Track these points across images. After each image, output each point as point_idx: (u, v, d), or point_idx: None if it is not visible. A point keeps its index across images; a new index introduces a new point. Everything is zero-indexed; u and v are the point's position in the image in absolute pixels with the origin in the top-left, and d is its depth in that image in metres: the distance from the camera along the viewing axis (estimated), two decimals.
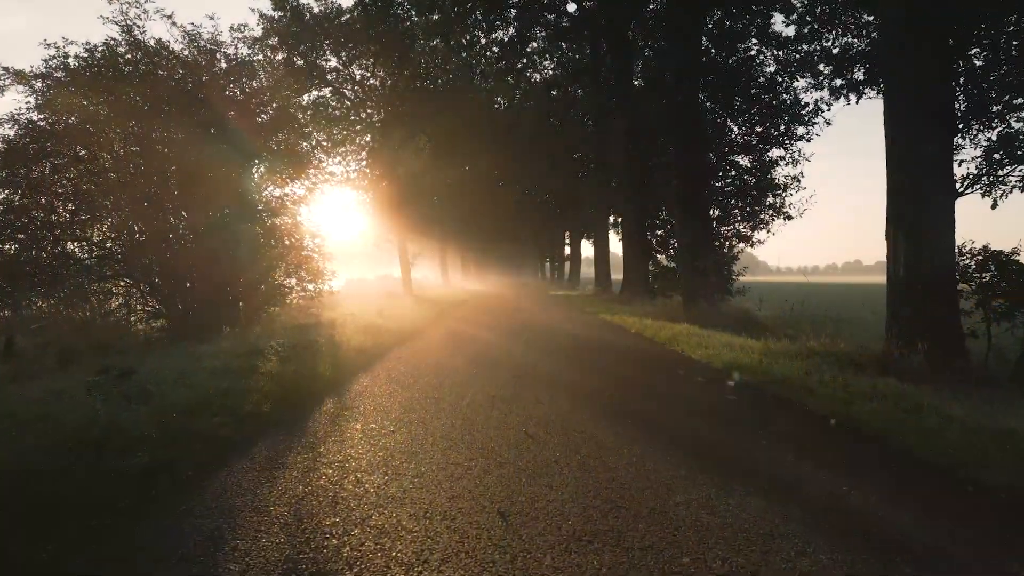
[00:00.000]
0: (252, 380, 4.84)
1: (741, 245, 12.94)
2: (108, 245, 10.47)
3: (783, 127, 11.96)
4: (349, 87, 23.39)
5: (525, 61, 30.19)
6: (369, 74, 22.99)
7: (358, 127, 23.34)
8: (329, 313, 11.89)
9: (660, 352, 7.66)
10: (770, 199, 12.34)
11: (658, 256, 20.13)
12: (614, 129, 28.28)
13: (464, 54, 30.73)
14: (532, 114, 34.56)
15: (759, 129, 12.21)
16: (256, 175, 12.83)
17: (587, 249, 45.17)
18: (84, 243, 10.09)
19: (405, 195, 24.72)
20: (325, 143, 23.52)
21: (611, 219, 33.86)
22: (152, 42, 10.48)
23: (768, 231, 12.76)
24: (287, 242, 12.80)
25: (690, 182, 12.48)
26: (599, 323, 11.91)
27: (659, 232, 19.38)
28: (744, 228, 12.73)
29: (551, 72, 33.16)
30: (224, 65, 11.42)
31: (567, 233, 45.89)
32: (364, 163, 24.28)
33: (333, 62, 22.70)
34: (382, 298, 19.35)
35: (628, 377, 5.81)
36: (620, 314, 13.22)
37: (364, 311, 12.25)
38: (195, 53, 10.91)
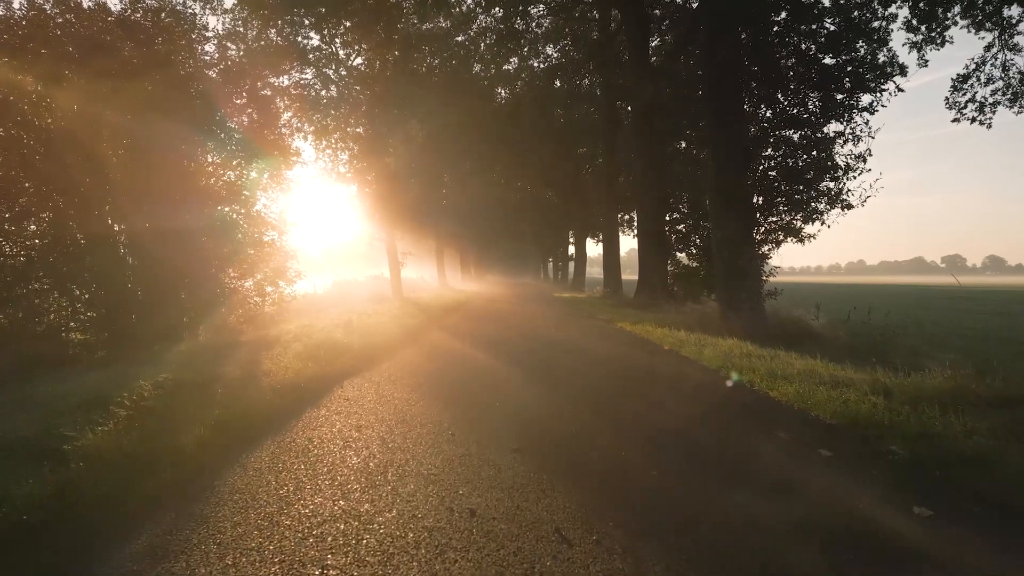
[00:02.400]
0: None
1: (789, 241, 10.71)
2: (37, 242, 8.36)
3: (844, 95, 9.72)
4: (333, 68, 21.22)
5: (526, 47, 28.07)
6: (354, 52, 20.81)
7: (343, 109, 21.14)
8: (287, 324, 9.67)
9: (721, 387, 5.42)
10: (827, 183, 10.11)
11: (677, 254, 17.89)
12: (628, 113, 26.13)
13: (461, 37, 28.66)
14: (534, 104, 32.47)
15: (814, 96, 9.95)
16: (211, 158, 10.64)
17: (591, 249, 42.99)
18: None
19: (396, 188, 22.54)
20: (306, 127, 21.43)
21: (620, 216, 31.67)
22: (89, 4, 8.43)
23: (823, 223, 10.54)
24: (240, 236, 10.58)
25: (729, 164, 10.22)
26: (621, 336, 9.67)
27: (679, 227, 17.13)
28: (794, 220, 10.48)
29: (554, 57, 31.05)
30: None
31: (570, 232, 43.71)
32: (354, 151, 22.09)
33: (315, 40, 20.53)
34: (366, 302, 17.15)
35: (705, 449, 3.56)
36: (643, 323, 10.97)
37: (333, 321, 10.03)
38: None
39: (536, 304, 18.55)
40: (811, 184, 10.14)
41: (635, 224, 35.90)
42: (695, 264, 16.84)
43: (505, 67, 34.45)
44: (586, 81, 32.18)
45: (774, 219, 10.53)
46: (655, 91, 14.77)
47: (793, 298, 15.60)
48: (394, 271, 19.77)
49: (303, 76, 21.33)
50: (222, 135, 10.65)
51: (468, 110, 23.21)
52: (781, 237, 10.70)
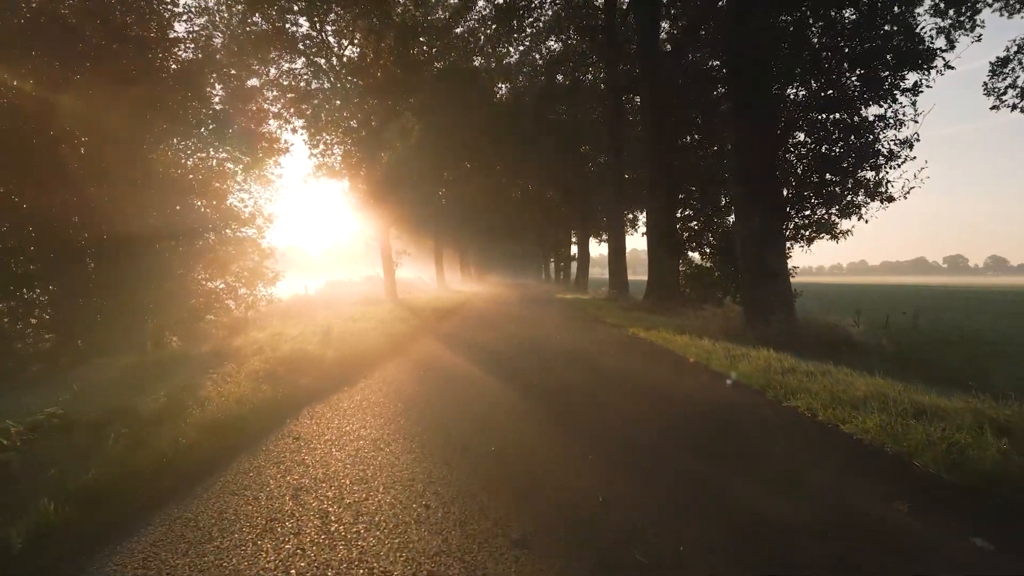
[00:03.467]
0: None
1: (823, 238, 9.57)
2: None
3: (888, 72, 8.59)
4: (324, 58, 20.10)
5: (528, 32, 27.01)
6: (346, 40, 19.68)
7: (335, 101, 20.02)
8: (261, 332, 8.56)
9: (774, 418, 4.31)
10: (866, 173, 8.97)
11: (689, 254, 16.78)
12: (635, 106, 25.00)
13: (460, 29, 27.58)
14: (534, 99, 31.42)
15: (852, 76, 8.81)
16: (178, 142, 9.54)
17: (593, 248, 41.87)
18: None
19: (391, 184, 21.44)
20: (296, 121, 20.33)
21: (626, 214, 30.54)
22: None
23: (860, 217, 9.40)
24: (210, 233, 9.50)
25: (755, 152, 9.11)
26: (636, 345, 8.55)
27: (692, 224, 16.01)
28: (828, 214, 9.34)
29: (557, 50, 29.99)
30: None
31: (572, 231, 42.60)
32: (347, 145, 21.02)
33: (305, 27, 19.40)
34: (356, 305, 16.05)
35: (802, 548, 2.47)
36: (657, 329, 9.86)
37: (311, 327, 8.93)
38: None
39: (539, 307, 17.44)
40: (848, 174, 9.02)
41: (639, 223, 34.97)
42: (708, 264, 15.73)
43: (506, 60, 33.45)
44: (589, 76, 31.15)
45: (807, 213, 9.41)
46: (667, 77, 13.64)
47: (802, 301, 14.47)
48: (388, 272, 18.67)
49: (292, 66, 20.29)
50: (193, 121, 9.56)
51: (466, 99, 22.07)
52: (812, 234, 9.56)
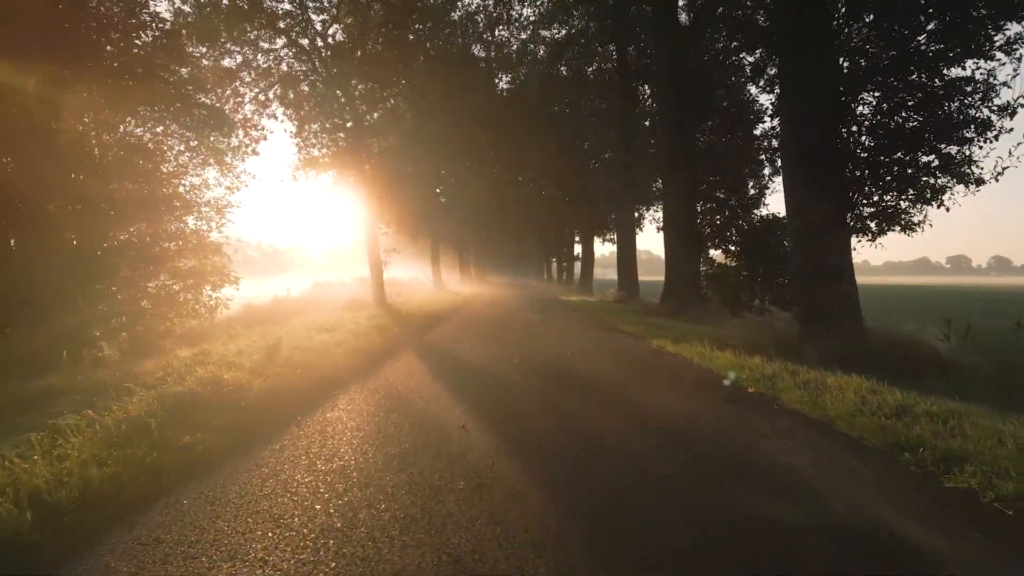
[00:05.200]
0: None
1: (895, 230, 7.75)
2: None
3: (976, 25, 6.83)
4: (308, 38, 18.32)
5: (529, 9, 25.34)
6: (330, 20, 17.88)
7: (319, 86, 18.23)
8: (186, 350, 6.76)
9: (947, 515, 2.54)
10: (951, 148, 7.19)
11: (711, 252, 14.99)
12: (646, 95, 23.24)
13: (457, 15, 25.91)
14: (537, 89, 29.73)
15: (932, 27, 7.04)
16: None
17: (597, 248, 40.13)
18: None
19: (382, 177, 19.70)
20: (275, 107, 18.59)
21: (635, 213, 28.73)
22: None
23: (941, 204, 7.60)
24: (141, 223, 7.74)
25: (813, 122, 7.33)
26: (668, 364, 6.76)
27: (716, 217, 14.23)
28: (903, 201, 7.53)
29: (560, 38, 28.30)
30: None
31: (575, 231, 40.84)
32: (333, 134, 19.29)
33: (286, 4, 17.62)
34: (337, 309, 14.29)
35: None
36: (688, 341, 8.04)
37: (258, 341, 7.14)
38: None
39: (542, 311, 15.63)
40: (927, 151, 7.25)
41: (644, 222, 33.19)
42: (733, 262, 13.95)
43: (506, 50, 31.79)
44: (594, 66, 29.48)
45: (874, 199, 7.62)
46: (686, 52, 11.87)
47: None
48: (375, 272, 16.88)
49: (272, 46, 18.51)
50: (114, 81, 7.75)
51: (462, 86, 20.34)
52: (883, 225, 7.76)
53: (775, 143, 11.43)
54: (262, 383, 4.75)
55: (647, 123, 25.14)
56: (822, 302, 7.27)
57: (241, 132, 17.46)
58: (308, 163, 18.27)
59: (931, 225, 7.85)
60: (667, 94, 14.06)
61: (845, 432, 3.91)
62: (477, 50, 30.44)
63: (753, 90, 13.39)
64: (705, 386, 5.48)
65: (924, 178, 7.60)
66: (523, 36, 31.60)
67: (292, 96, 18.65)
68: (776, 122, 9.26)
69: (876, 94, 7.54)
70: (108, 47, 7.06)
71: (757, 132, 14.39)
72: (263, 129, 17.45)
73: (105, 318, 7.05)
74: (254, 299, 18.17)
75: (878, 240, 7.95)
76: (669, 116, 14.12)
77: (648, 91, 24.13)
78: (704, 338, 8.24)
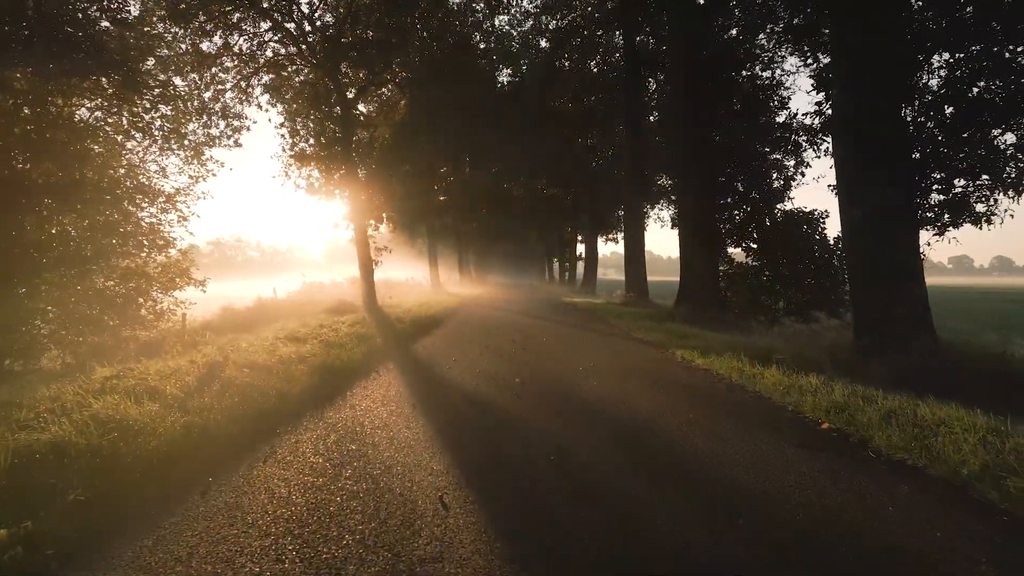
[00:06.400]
0: None
1: (966, 224, 6.51)
2: None
3: None
4: (294, 21, 17.08)
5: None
6: (318, 2, 16.63)
7: (305, 72, 17.00)
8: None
9: None
10: None
11: (729, 250, 13.72)
12: (663, 65, 21.91)
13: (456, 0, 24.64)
14: (538, 82, 28.51)
15: None
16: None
17: (601, 248, 38.82)
18: None
19: (372, 171, 18.49)
20: (258, 94, 17.38)
21: (644, 209, 27.44)
22: None
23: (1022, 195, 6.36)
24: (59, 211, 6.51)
25: (876, 91, 6.08)
26: (706, 387, 5.49)
27: (736, 213, 12.97)
28: (978, 189, 6.29)
29: (563, 27, 27.08)
30: None
31: (578, 229, 39.57)
32: (320, 124, 18.10)
33: None
34: (322, 312, 13.05)
35: None
36: (719, 354, 6.76)
37: (207, 354, 5.89)
38: None
39: (546, 315, 14.36)
40: (1013, 127, 6.02)
41: (649, 219, 31.91)
42: (756, 262, 12.67)
43: (507, 41, 30.61)
44: (598, 58, 28.31)
45: (944, 186, 6.38)
46: (702, 32, 10.62)
47: None
48: (365, 272, 15.63)
49: (256, 30, 17.27)
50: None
51: (459, 74, 19.08)
52: (955, 218, 6.49)
53: (807, 122, 10.18)
54: (176, 421, 3.50)
55: (656, 116, 23.98)
56: (887, 308, 6.01)
57: (223, 122, 16.36)
58: (297, 157, 17.04)
59: (1012, 216, 6.57)
60: (682, 79, 12.80)
61: (993, 502, 2.66)
62: (476, 40, 29.24)
63: (787, 64, 12.15)
64: (761, 420, 4.22)
65: (1011, 163, 6.33)
66: (524, 27, 30.46)
67: (278, 83, 17.43)
68: (820, 96, 7.96)
69: (949, 59, 6.28)
70: None
71: (780, 119, 13.19)
72: (246, 119, 16.27)
73: (11, 327, 5.81)
74: (236, 300, 16.95)
75: (947, 234, 6.67)
76: (685, 104, 12.86)
77: (657, 81, 22.95)
78: (738, 349, 6.98)
